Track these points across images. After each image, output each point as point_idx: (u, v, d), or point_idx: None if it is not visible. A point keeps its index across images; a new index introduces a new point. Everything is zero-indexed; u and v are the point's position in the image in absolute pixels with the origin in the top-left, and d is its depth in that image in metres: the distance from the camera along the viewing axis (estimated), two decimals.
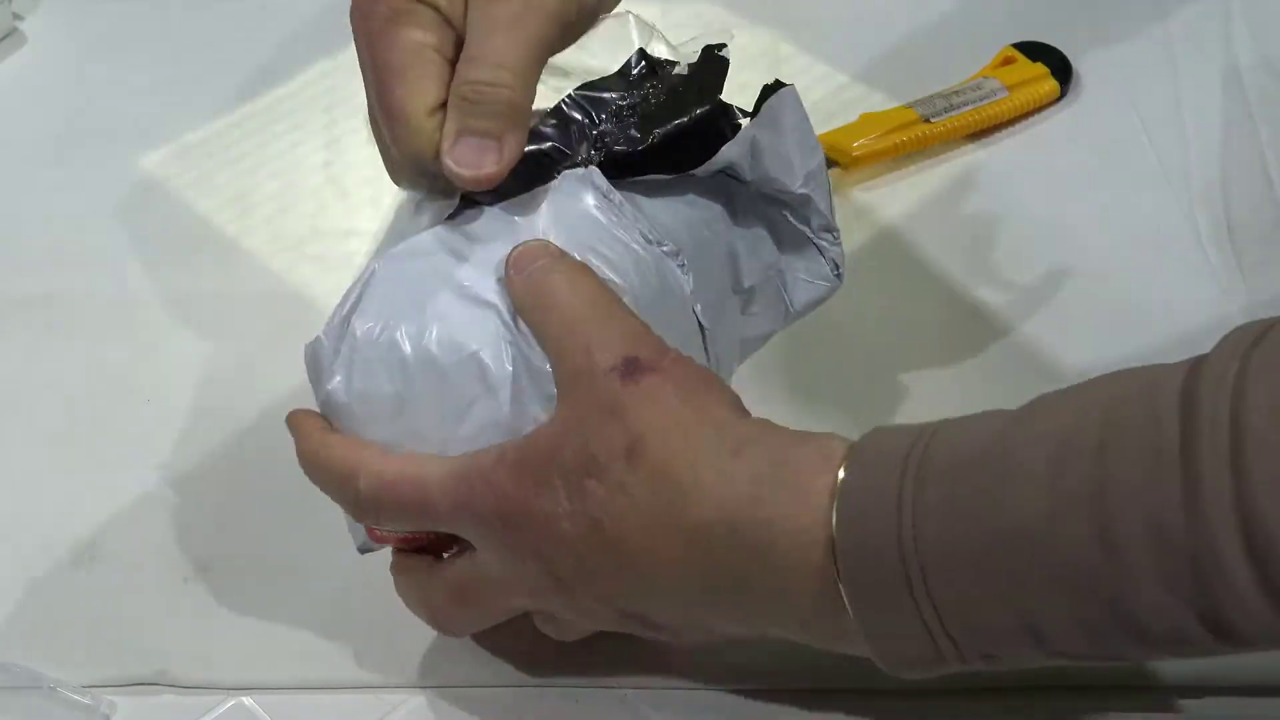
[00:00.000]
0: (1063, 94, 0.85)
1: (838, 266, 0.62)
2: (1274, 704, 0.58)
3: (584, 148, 0.56)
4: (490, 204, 0.55)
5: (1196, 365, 0.44)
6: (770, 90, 0.58)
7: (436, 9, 0.53)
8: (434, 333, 0.53)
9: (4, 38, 0.92)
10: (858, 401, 0.69)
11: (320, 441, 0.55)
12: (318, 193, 0.82)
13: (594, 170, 0.56)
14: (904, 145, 0.81)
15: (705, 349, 0.58)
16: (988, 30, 0.88)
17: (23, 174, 0.84)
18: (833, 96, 0.86)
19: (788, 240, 0.61)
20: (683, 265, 0.56)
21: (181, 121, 0.86)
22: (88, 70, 0.90)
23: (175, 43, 0.92)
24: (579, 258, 0.54)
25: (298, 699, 0.60)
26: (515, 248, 0.53)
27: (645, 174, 0.57)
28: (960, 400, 0.69)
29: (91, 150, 0.85)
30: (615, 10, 0.58)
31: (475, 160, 0.52)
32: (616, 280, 0.54)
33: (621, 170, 0.56)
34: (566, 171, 0.56)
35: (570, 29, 0.55)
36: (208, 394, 0.71)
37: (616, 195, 0.56)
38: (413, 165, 0.54)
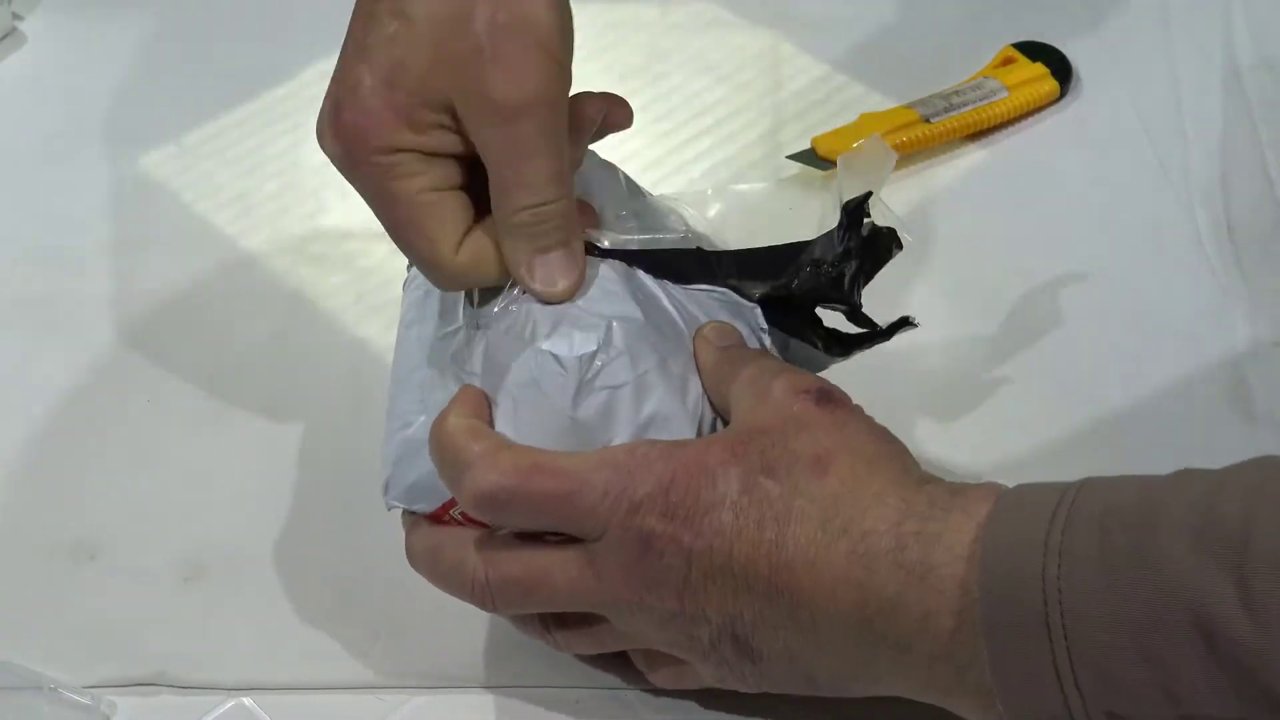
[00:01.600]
0: (1063, 94, 0.85)
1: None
2: None
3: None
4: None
5: None
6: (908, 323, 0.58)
7: (422, 153, 0.53)
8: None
9: (4, 38, 0.92)
10: (856, 399, 0.69)
11: (455, 425, 0.53)
12: (318, 193, 0.82)
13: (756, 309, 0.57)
14: (904, 145, 0.81)
15: None
16: (988, 30, 0.88)
17: (23, 174, 0.84)
18: (833, 96, 0.86)
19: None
20: None
21: (181, 121, 0.86)
22: (88, 70, 0.90)
23: (175, 42, 0.92)
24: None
25: (298, 699, 0.59)
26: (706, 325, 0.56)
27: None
28: (960, 399, 0.69)
29: (91, 150, 0.85)
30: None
31: (560, 275, 0.54)
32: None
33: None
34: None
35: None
36: (208, 394, 0.71)
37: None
38: (449, 289, 0.56)
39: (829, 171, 0.80)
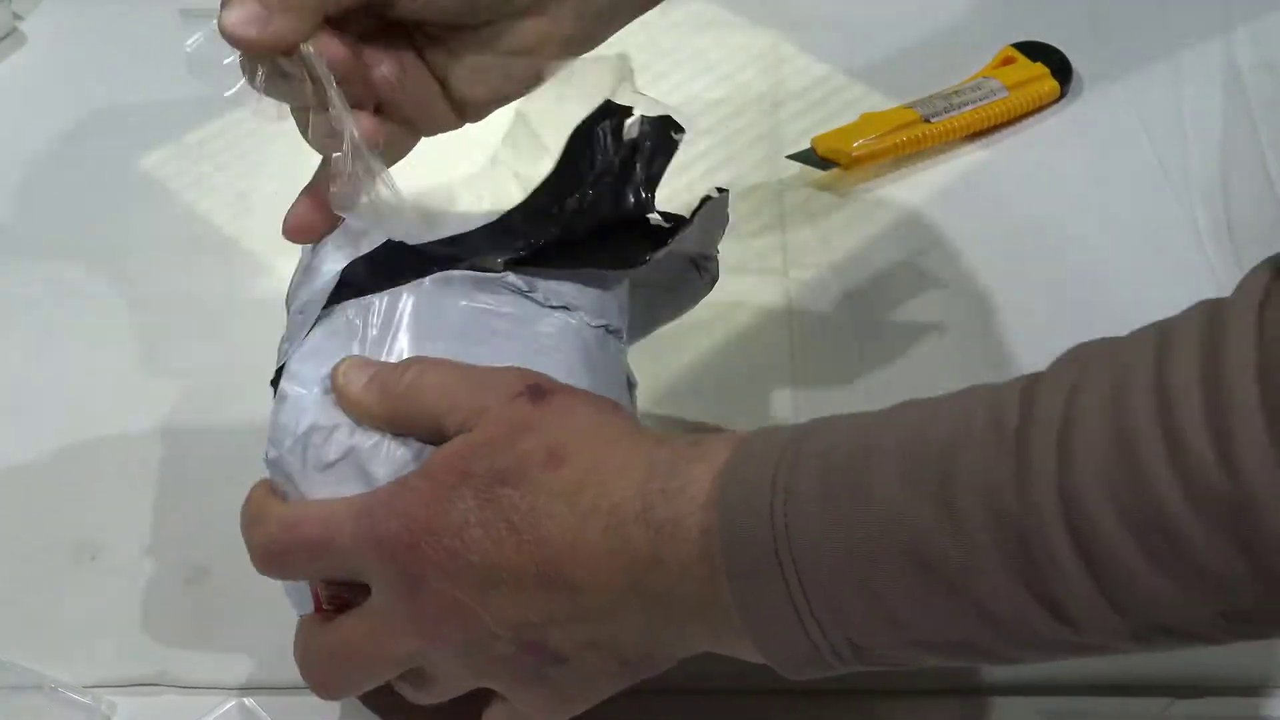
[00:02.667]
0: (1063, 94, 0.85)
1: (714, 279, 0.64)
2: (1273, 703, 0.58)
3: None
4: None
5: (1037, 375, 0.46)
6: (710, 199, 0.59)
7: None
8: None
9: (4, 38, 0.92)
10: (856, 399, 0.69)
11: (253, 495, 0.56)
12: None
13: (507, 274, 0.57)
14: (904, 145, 0.81)
15: (634, 402, 0.60)
16: (988, 30, 0.88)
17: (23, 174, 0.84)
18: (833, 96, 0.86)
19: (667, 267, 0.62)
20: (617, 333, 0.58)
21: (181, 121, 0.86)
22: (88, 70, 0.90)
23: (175, 42, 0.92)
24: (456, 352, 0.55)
25: (298, 699, 0.59)
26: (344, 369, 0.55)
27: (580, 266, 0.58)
28: None
29: (91, 150, 0.85)
30: (595, 52, 0.58)
31: (246, 25, 0.52)
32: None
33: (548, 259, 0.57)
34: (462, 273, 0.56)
35: None
36: (208, 394, 0.71)
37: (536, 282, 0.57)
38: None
39: (830, 171, 0.80)
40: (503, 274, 0.56)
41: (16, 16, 0.93)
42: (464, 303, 0.56)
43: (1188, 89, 0.84)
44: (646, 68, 0.88)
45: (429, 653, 0.53)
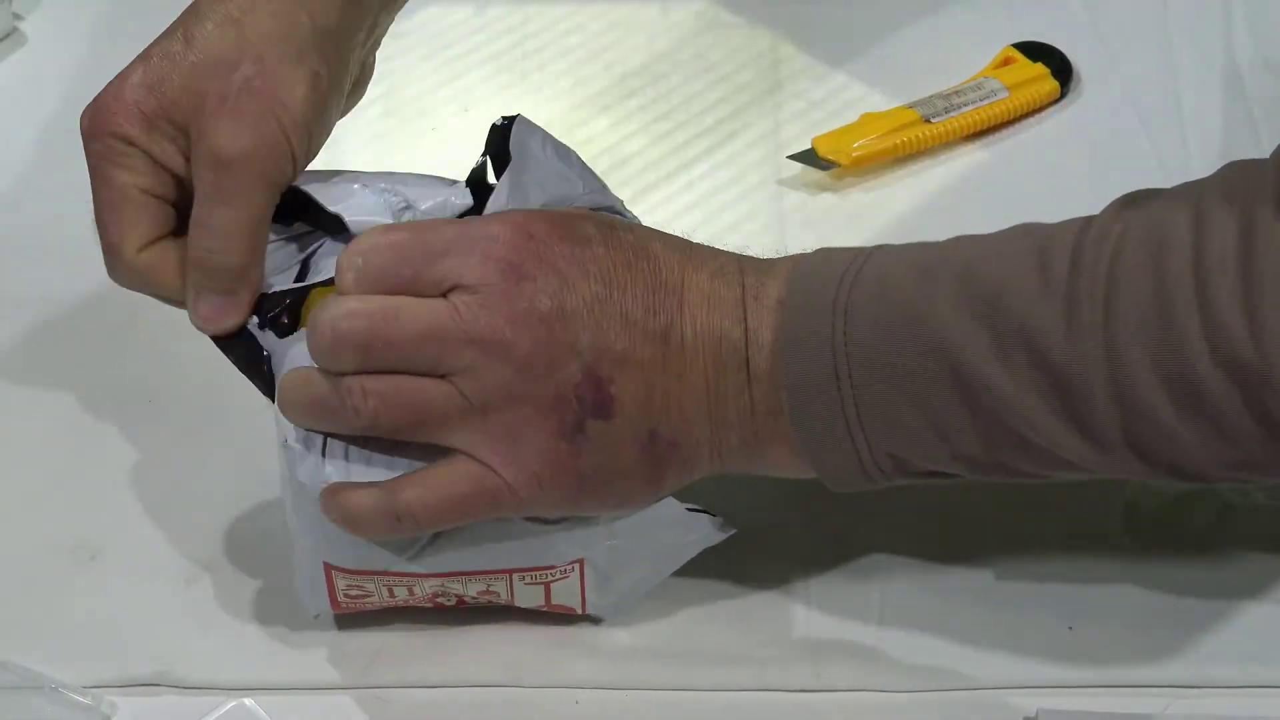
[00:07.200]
0: (1063, 94, 0.85)
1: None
2: (1273, 703, 0.58)
3: None
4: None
5: (1084, 225, 0.52)
6: (500, 129, 0.59)
7: (149, 154, 0.58)
8: None
9: (4, 38, 0.92)
10: None
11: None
12: None
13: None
14: (904, 145, 0.81)
15: None
16: (988, 30, 0.88)
17: (23, 174, 0.84)
18: (833, 96, 0.86)
19: None
20: None
21: None
22: (88, 70, 0.90)
23: None
24: None
25: (298, 699, 0.60)
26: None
27: None
28: None
29: None
30: None
31: (217, 316, 0.58)
32: None
33: None
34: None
35: (285, 184, 0.58)
36: (208, 394, 0.71)
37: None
38: (123, 285, 0.61)
39: (830, 171, 0.80)
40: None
41: (16, 16, 0.93)
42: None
43: (1187, 89, 0.84)
44: (646, 68, 0.88)
45: (484, 354, 0.52)
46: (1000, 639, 0.60)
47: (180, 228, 0.59)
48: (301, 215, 0.60)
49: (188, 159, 0.58)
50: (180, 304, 0.59)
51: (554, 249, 0.53)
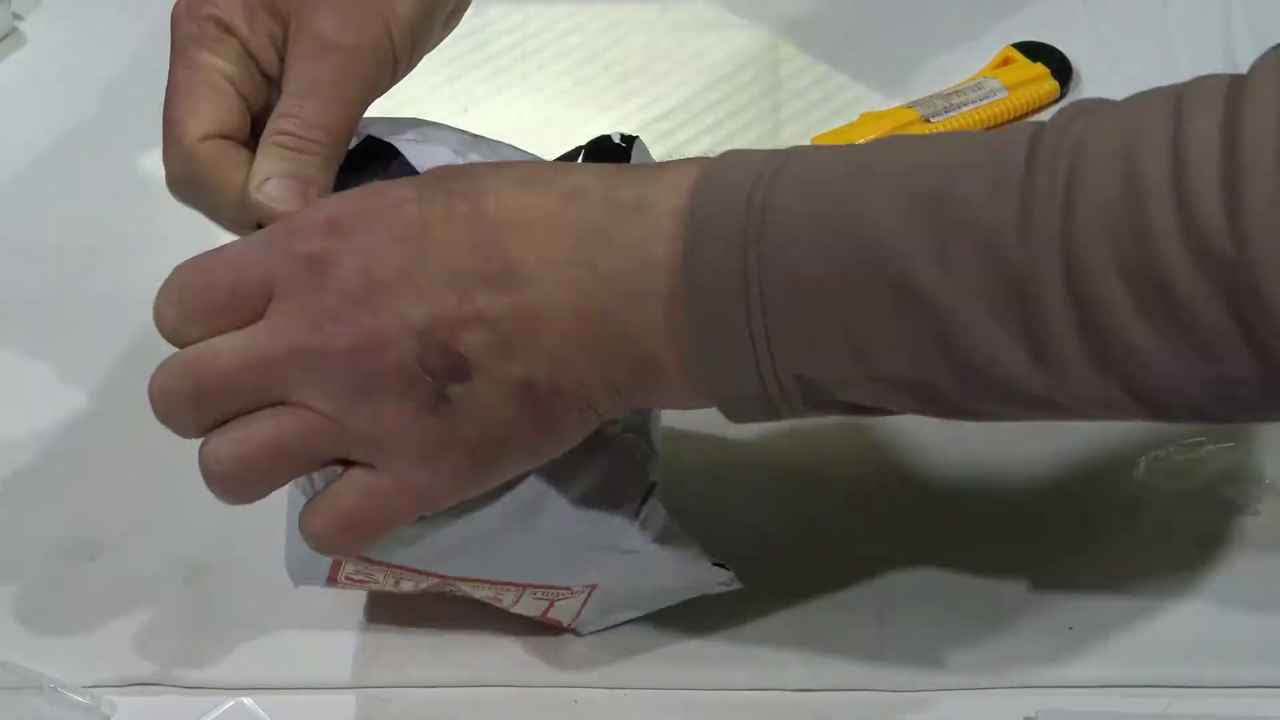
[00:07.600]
0: (1063, 94, 0.85)
1: None
2: (1273, 703, 0.58)
3: None
4: None
5: (1042, 123, 0.46)
6: (611, 143, 0.57)
7: (244, 44, 0.55)
8: None
9: (4, 38, 0.92)
10: None
11: None
12: None
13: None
14: None
15: None
16: (988, 30, 0.88)
17: (23, 174, 0.84)
18: (833, 96, 0.86)
19: None
20: None
21: None
22: (88, 70, 0.90)
23: None
24: None
25: (298, 699, 0.60)
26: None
27: None
28: None
29: (91, 150, 0.85)
30: None
31: (288, 199, 0.53)
32: None
33: None
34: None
35: (380, 91, 0.56)
36: None
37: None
38: (172, 181, 0.57)
39: None
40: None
41: (16, 16, 0.93)
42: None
43: None
44: (646, 68, 0.88)
45: (310, 363, 0.48)
46: (1000, 639, 0.60)
47: (250, 141, 0.55)
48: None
49: (281, 57, 0.55)
50: (222, 216, 0.56)
51: (356, 225, 0.49)
